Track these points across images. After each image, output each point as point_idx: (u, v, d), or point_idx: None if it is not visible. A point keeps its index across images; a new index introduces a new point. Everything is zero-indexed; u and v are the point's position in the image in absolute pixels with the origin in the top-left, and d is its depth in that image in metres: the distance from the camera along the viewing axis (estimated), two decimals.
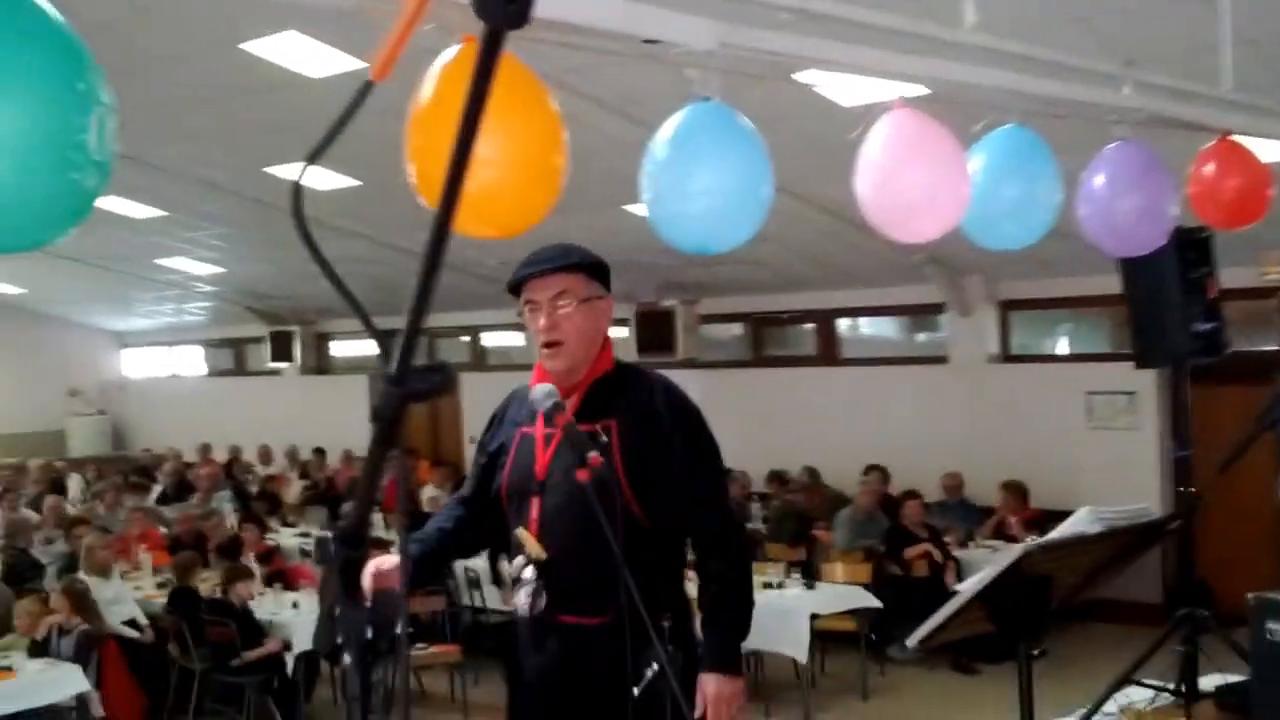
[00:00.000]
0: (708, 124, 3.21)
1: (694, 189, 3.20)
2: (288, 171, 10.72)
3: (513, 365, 15.29)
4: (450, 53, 2.71)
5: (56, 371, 20.14)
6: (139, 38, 7.75)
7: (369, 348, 17.54)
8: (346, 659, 1.43)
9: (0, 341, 19.46)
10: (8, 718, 7.16)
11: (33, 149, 2.23)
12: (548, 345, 3.15)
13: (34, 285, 18.22)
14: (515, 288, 3.21)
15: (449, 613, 9.43)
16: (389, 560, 2.87)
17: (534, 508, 3.15)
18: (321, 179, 10.78)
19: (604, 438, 3.07)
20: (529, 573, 3.13)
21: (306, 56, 7.98)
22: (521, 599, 3.16)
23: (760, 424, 12.50)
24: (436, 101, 2.62)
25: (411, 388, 1.19)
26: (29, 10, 2.23)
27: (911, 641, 3.63)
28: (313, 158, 1.35)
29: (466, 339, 16.59)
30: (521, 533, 3.15)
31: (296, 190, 1.33)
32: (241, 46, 7.85)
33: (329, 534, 10.29)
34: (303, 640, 8.24)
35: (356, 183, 10.72)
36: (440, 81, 2.66)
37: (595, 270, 3.23)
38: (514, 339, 15.80)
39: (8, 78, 2.20)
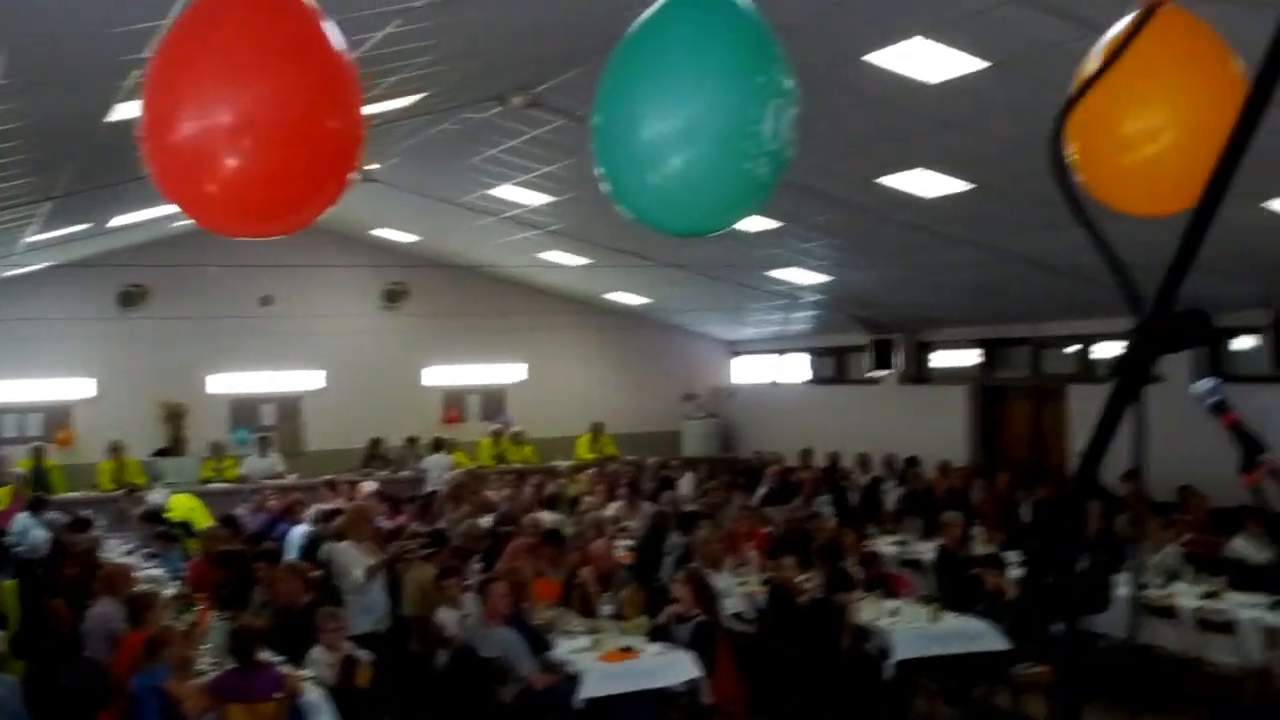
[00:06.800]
0: None
1: None
2: (898, 181, 10.75)
3: None
4: (1121, 23, 2.48)
5: (675, 377, 21.71)
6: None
7: (968, 358, 17.29)
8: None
9: (627, 348, 21.33)
10: (626, 696, 7.69)
11: (711, 139, 2.33)
12: None
13: (657, 296, 19.72)
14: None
15: None
16: None
17: None
18: (930, 184, 10.69)
19: None
20: None
21: (927, 62, 7.91)
22: None
23: None
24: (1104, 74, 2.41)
25: (1168, 336, 1.04)
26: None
27: None
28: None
29: (1074, 349, 15.84)
30: None
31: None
32: (865, 58, 7.93)
33: None
34: (901, 649, 8.24)
35: (968, 186, 10.52)
36: (1110, 52, 2.45)
37: None
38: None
39: (692, 69, 2.32)
